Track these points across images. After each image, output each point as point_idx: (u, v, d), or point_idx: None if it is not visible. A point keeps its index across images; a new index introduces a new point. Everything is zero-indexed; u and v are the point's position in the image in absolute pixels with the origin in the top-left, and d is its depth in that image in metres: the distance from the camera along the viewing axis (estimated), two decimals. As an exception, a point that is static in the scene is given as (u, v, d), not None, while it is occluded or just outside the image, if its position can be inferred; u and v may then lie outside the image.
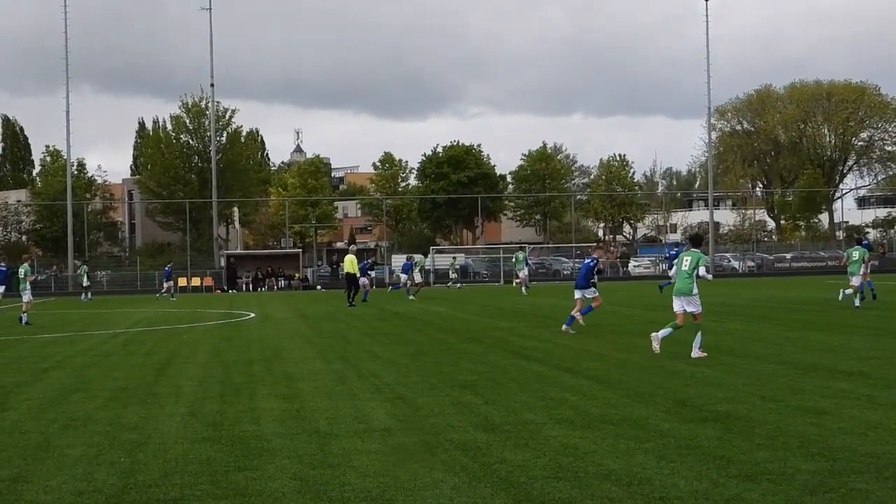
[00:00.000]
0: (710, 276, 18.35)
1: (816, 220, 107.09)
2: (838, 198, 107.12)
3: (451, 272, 66.41)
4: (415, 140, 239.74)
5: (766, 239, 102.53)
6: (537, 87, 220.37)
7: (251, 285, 74.48)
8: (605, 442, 9.86)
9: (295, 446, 10.11)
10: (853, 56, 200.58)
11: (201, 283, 74.09)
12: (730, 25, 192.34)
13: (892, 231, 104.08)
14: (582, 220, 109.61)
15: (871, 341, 19.51)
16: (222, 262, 78.05)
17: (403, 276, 50.60)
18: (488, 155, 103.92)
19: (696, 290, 17.68)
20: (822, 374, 14.58)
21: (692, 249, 18.15)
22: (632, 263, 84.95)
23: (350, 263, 42.17)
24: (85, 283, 59.94)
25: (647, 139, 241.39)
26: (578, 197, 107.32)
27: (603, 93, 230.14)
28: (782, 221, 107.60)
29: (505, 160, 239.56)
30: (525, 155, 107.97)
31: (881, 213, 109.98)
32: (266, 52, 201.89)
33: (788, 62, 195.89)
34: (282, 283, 75.37)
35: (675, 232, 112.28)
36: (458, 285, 63.93)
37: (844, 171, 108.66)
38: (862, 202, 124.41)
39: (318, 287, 74.23)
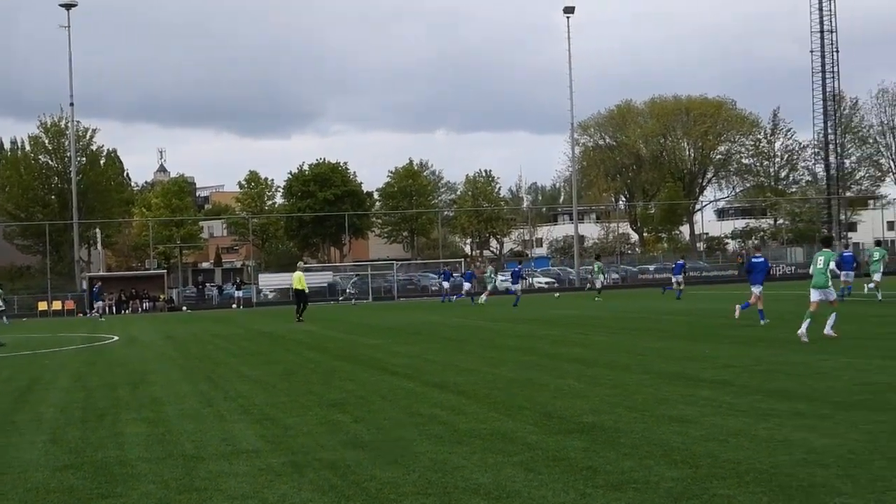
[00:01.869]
0: (838, 271, 23.26)
1: (678, 232, 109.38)
2: (698, 210, 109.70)
3: (349, 289, 67.19)
4: (279, 158, 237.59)
5: (629, 251, 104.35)
6: (400, 104, 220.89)
7: (114, 308, 73.07)
8: (474, 456, 9.89)
9: (160, 471, 9.93)
10: (710, 71, 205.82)
11: (63, 306, 72.39)
12: (590, 41, 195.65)
13: (751, 242, 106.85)
14: (449, 235, 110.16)
15: (733, 350, 19.96)
16: (84, 285, 76.38)
17: (515, 287, 53.18)
18: (354, 172, 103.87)
19: (829, 283, 21.14)
20: (686, 383, 14.87)
21: (824, 250, 21.82)
22: (499, 278, 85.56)
23: (298, 280, 41.87)
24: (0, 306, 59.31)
25: (512, 155, 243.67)
26: (445, 213, 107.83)
27: (465, 109, 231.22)
28: (645, 234, 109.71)
29: (370, 177, 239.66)
30: (392, 172, 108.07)
31: (739, 224, 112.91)
32: (126, 71, 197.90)
33: (648, 77, 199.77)
34: (146, 304, 74.09)
35: (542, 246, 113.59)
36: (353, 302, 64.92)
37: (704, 184, 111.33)
38: (721, 214, 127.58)
39: (185, 308, 73.21)
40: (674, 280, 49.99)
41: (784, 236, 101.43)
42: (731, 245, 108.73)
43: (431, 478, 8.99)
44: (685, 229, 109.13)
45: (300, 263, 44.84)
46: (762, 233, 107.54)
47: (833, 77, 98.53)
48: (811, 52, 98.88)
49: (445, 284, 61.79)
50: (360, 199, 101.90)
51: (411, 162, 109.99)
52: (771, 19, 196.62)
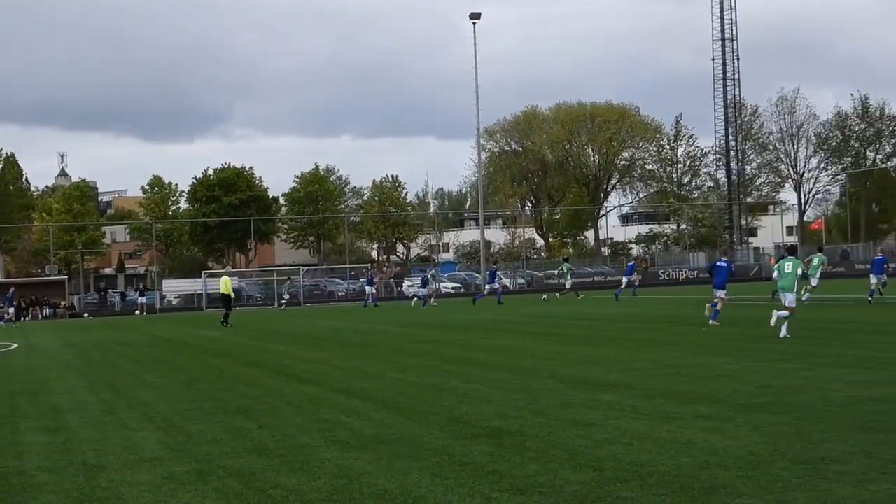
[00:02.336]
0: (808, 274, 26.79)
1: (583, 237, 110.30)
2: (603, 215, 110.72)
3: (284, 294, 67.83)
4: (183, 163, 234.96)
5: (535, 256, 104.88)
6: (305, 108, 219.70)
7: (14, 315, 71.55)
8: (381, 462, 9.88)
9: (61, 481, 9.75)
10: (614, 78, 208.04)
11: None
12: (496, 47, 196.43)
13: (654, 246, 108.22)
14: (356, 241, 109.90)
15: (637, 353, 20.18)
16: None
17: (488, 287, 55.89)
18: (260, 177, 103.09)
19: (795, 286, 23.41)
20: (590, 387, 14.99)
21: (790, 257, 24.15)
22: (405, 283, 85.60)
23: (225, 285, 42.46)
24: None
25: (418, 160, 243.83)
26: (352, 218, 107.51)
27: (372, 114, 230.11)
28: (551, 239, 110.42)
29: (276, 182, 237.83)
30: (298, 177, 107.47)
31: (643, 229, 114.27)
32: (24, 72, 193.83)
33: (554, 83, 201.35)
34: (47, 311, 72.72)
35: (448, 251, 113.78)
36: (283, 305, 65.81)
37: (608, 190, 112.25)
38: (625, 219, 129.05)
39: (86, 315, 72.03)
40: (625, 280, 53.78)
41: (686, 241, 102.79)
42: (636, 250, 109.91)
43: (337, 484, 8.95)
44: (590, 234, 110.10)
45: (227, 268, 45.21)
46: (665, 238, 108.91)
47: (734, 84, 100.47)
48: (713, 59, 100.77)
49: (369, 289, 61.94)
50: (266, 204, 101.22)
51: (317, 167, 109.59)
52: (673, 27, 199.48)
